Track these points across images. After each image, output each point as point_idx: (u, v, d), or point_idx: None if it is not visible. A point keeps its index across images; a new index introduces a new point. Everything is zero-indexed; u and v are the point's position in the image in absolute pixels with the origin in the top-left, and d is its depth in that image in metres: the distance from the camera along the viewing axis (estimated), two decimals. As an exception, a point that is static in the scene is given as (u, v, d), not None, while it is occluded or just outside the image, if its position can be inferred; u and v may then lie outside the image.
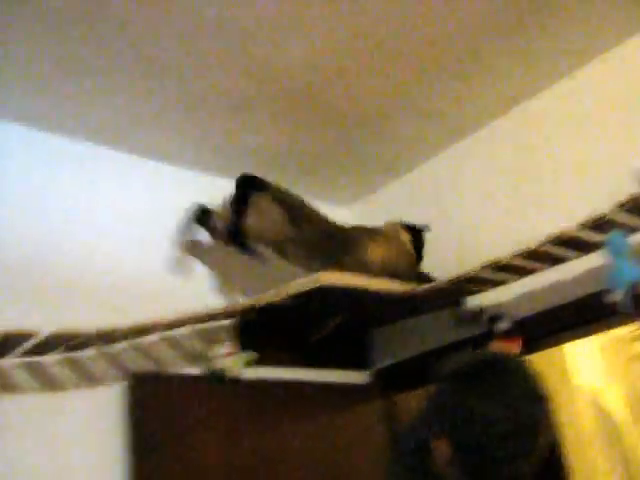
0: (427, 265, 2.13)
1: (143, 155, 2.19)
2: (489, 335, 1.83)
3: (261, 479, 2.00)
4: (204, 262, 2.16)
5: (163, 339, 1.92)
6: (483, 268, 1.78)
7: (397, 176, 2.50)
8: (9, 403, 1.69)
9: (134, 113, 2.00)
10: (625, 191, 1.53)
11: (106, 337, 1.73)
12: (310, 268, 1.93)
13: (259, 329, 2.02)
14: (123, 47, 1.72)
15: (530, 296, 1.96)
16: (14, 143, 1.95)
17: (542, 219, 2.00)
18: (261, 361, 1.98)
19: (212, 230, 2.05)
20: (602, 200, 1.57)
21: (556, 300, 1.93)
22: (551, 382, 1.84)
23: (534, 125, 2.15)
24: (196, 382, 1.96)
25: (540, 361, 1.82)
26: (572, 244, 1.69)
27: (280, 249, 1.98)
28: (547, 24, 1.83)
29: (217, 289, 2.16)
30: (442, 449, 1.22)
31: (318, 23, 1.72)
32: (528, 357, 1.82)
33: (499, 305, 1.97)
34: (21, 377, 1.72)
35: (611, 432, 3.33)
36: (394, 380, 2.34)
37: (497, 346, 1.77)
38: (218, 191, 2.02)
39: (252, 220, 1.91)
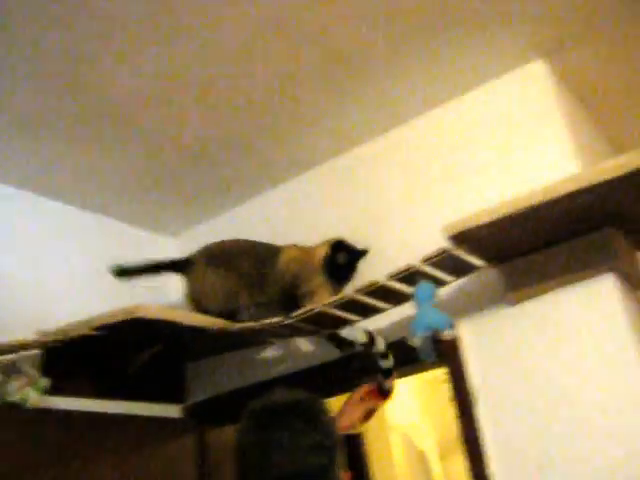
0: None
1: None
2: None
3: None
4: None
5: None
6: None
7: (225, 208, 2.50)
8: None
9: None
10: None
11: None
12: None
13: (67, 359, 1.94)
14: None
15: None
16: None
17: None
18: (67, 391, 1.91)
19: None
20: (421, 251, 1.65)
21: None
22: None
23: (367, 167, 2.23)
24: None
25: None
26: (382, 294, 1.76)
27: None
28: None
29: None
30: None
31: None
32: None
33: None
34: None
35: (420, 467, 3.50)
36: (208, 415, 2.28)
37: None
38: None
39: None
